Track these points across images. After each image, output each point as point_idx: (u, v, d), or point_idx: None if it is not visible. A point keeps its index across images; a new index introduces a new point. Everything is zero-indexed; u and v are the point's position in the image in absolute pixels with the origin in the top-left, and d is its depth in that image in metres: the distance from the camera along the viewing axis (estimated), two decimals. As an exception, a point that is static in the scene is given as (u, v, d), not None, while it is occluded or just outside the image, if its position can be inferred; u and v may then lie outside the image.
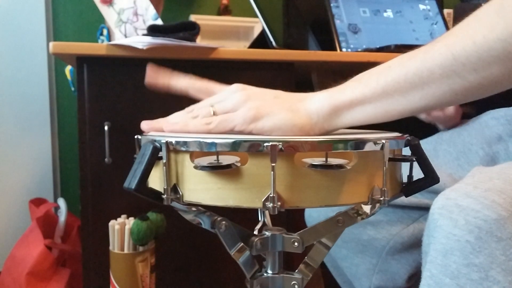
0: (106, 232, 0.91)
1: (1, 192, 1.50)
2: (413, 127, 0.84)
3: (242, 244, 0.54)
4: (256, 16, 1.16)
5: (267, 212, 0.60)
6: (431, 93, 0.45)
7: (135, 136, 0.51)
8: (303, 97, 0.51)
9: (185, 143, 0.44)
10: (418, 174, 0.51)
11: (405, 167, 0.51)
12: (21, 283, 1.16)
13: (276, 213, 0.42)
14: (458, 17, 1.42)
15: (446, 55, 0.43)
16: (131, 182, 0.44)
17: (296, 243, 0.55)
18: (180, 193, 0.46)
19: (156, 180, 0.48)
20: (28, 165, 1.52)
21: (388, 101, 0.46)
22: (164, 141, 0.45)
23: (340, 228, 0.54)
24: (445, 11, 1.43)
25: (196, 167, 0.44)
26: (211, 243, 1.08)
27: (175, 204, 0.47)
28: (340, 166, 0.43)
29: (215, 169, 0.43)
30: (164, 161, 0.45)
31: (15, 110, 1.50)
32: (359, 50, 1.27)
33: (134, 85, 1.01)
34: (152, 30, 1.02)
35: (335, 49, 1.26)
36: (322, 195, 0.43)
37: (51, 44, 0.93)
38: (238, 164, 0.43)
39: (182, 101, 0.57)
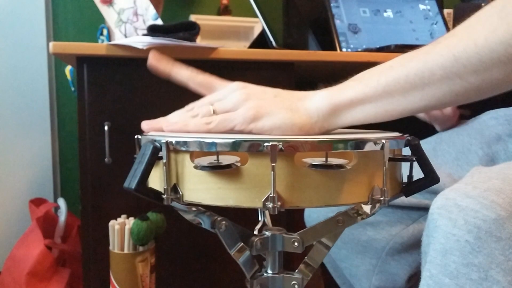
0: (106, 232, 0.91)
1: (1, 192, 1.50)
2: (413, 127, 0.84)
3: (242, 244, 0.54)
4: (256, 16, 1.16)
5: (267, 212, 0.60)
6: (432, 93, 0.45)
7: (135, 136, 0.51)
8: (303, 96, 0.51)
9: (185, 143, 0.44)
10: (418, 174, 0.51)
11: (405, 167, 0.51)
12: (21, 283, 1.16)
13: (276, 213, 0.42)
14: (458, 17, 1.42)
15: (447, 56, 0.43)
16: (131, 182, 0.44)
17: (296, 243, 0.55)
18: (180, 193, 0.46)
19: (156, 180, 0.48)
20: (28, 165, 1.52)
21: (389, 101, 0.46)
22: (164, 141, 0.45)
23: (340, 228, 0.54)
24: (445, 11, 1.43)
25: (196, 167, 0.44)
26: (211, 243, 1.08)
27: (175, 204, 0.47)
28: (340, 166, 0.43)
29: (215, 169, 0.43)
30: (164, 161, 0.45)
31: (15, 110, 1.50)
32: (359, 50, 1.27)
33: (134, 85, 1.01)
34: (152, 30, 1.02)
35: (335, 49, 1.26)
36: (322, 195, 0.43)
37: (51, 44, 0.93)
38: (238, 164, 0.43)
39: (183, 100, 0.57)
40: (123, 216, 0.95)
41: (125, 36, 1.08)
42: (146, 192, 0.46)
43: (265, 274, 0.57)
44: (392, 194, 0.48)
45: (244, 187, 0.43)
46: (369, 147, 0.44)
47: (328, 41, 1.27)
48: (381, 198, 0.45)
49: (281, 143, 0.41)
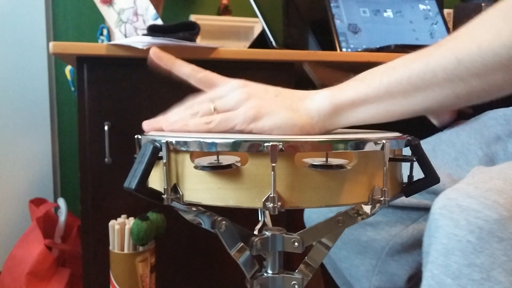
0: (106, 232, 0.91)
1: (1, 192, 1.50)
2: (413, 127, 0.84)
3: (242, 244, 0.54)
4: (256, 16, 1.16)
5: (267, 212, 0.60)
6: (434, 95, 0.45)
7: (135, 136, 0.51)
8: (304, 95, 0.50)
9: (185, 143, 0.44)
10: (418, 174, 0.51)
11: (405, 167, 0.51)
12: (21, 283, 1.16)
13: (277, 213, 0.42)
14: (458, 17, 1.42)
15: (450, 58, 0.43)
16: (131, 182, 0.44)
17: (296, 243, 0.55)
18: (180, 193, 0.45)
19: (156, 180, 0.48)
20: (28, 165, 1.52)
21: (390, 101, 0.46)
22: (164, 141, 0.45)
23: (340, 228, 0.54)
24: (445, 11, 1.43)
25: (196, 167, 0.44)
26: (211, 243, 1.08)
27: (175, 204, 0.47)
28: (340, 166, 0.43)
29: (215, 169, 0.43)
30: (164, 161, 0.45)
31: (15, 110, 1.50)
32: (359, 50, 1.27)
33: (134, 85, 1.01)
34: (152, 30, 1.02)
35: (335, 49, 1.26)
36: (323, 195, 0.43)
37: (51, 44, 0.93)
38: (238, 164, 0.43)
39: (183, 100, 0.56)
40: (123, 216, 0.95)
41: (125, 36, 1.08)
42: (146, 192, 0.46)
43: (265, 274, 0.57)
44: (392, 194, 0.48)
45: (244, 187, 0.43)
46: (369, 147, 0.44)
47: (328, 41, 1.27)
48: (382, 198, 0.45)
49: (281, 143, 0.41)
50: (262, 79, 0.52)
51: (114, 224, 0.91)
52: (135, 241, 0.88)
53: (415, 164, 0.50)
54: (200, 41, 1.10)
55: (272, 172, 0.41)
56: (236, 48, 1.09)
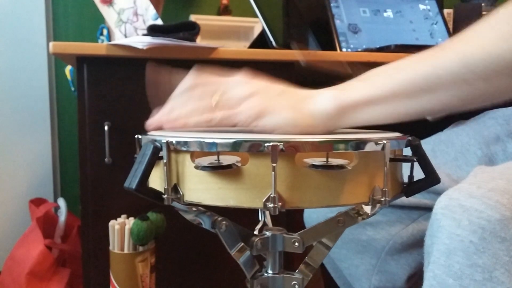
0: (106, 232, 0.91)
1: (1, 192, 1.50)
2: (412, 127, 0.84)
3: (242, 244, 0.54)
4: (256, 16, 1.15)
5: (267, 212, 0.60)
6: (438, 98, 0.45)
7: (136, 136, 0.51)
8: (307, 95, 0.50)
9: (185, 143, 0.44)
10: (418, 174, 0.51)
11: (405, 167, 0.51)
12: (21, 283, 1.16)
13: (277, 213, 0.42)
14: (458, 17, 1.42)
15: (455, 61, 0.43)
16: (132, 182, 0.44)
17: (296, 243, 0.55)
18: (181, 193, 0.45)
19: (157, 180, 0.48)
20: (28, 165, 1.52)
21: (395, 103, 0.46)
22: (165, 141, 0.45)
23: (341, 228, 0.54)
24: (445, 11, 1.43)
25: (196, 167, 0.44)
26: (211, 243, 1.08)
27: (175, 204, 0.47)
28: (341, 167, 0.43)
29: (216, 169, 0.43)
30: (165, 161, 0.45)
31: (15, 110, 1.50)
32: (359, 50, 1.27)
33: (134, 85, 1.01)
34: (152, 30, 1.02)
35: (335, 49, 1.26)
36: (323, 195, 0.43)
37: (51, 44, 0.93)
38: (239, 164, 0.43)
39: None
40: (123, 216, 0.95)
41: (125, 36, 1.08)
42: (147, 192, 0.46)
43: (265, 274, 0.57)
44: (393, 195, 0.48)
45: (245, 187, 0.43)
46: (370, 147, 0.44)
47: (328, 41, 1.27)
48: (382, 199, 0.45)
49: (282, 143, 0.41)
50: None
51: (114, 224, 0.91)
52: (135, 241, 0.88)
53: (416, 164, 0.50)
54: (200, 41, 1.10)
55: (273, 172, 0.41)
56: (236, 48, 1.09)
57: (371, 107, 0.47)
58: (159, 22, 1.08)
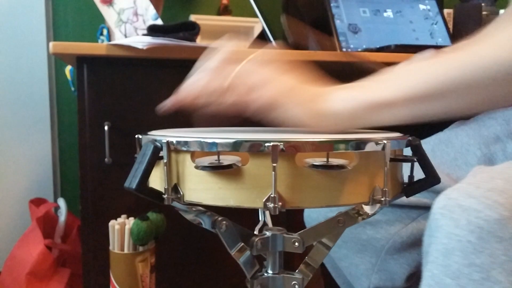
0: (106, 232, 0.91)
1: (1, 192, 1.50)
2: (412, 127, 0.84)
3: (242, 244, 0.54)
4: (256, 16, 1.16)
5: (267, 212, 0.60)
6: (451, 102, 0.45)
7: (136, 136, 0.51)
8: (320, 93, 0.50)
9: (186, 143, 0.44)
10: (418, 174, 0.51)
11: (406, 167, 0.51)
12: (21, 283, 1.16)
13: (277, 213, 0.42)
14: (458, 17, 1.42)
15: (469, 66, 0.43)
16: (132, 182, 0.44)
17: (296, 243, 0.55)
18: (181, 193, 0.45)
19: (157, 180, 0.48)
20: (28, 165, 1.52)
21: (408, 106, 0.46)
22: (165, 141, 0.45)
23: (341, 228, 0.54)
24: (445, 11, 1.43)
25: (197, 167, 0.44)
26: (211, 243, 1.08)
27: (175, 204, 0.47)
28: (341, 167, 0.43)
29: (216, 169, 0.43)
30: (165, 161, 0.45)
31: (15, 110, 1.50)
32: (359, 50, 1.26)
33: (134, 85, 1.01)
34: (152, 30, 1.02)
35: (335, 49, 1.26)
36: (323, 195, 0.43)
37: (51, 44, 0.93)
38: (239, 164, 0.43)
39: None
40: (123, 216, 0.95)
41: (125, 36, 1.08)
42: (147, 192, 0.46)
43: (265, 274, 0.57)
44: (393, 195, 0.48)
45: (245, 187, 0.43)
46: (370, 147, 0.44)
47: (328, 41, 1.27)
48: (382, 199, 0.45)
49: (282, 143, 0.41)
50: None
51: (114, 224, 0.91)
52: (135, 241, 0.88)
53: (416, 164, 0.50)
54: (200, 41, 1.10)
55: (273, 172, 0.41)
56: (236, 48, 1.08)
57: (383, 110, 0.47)
58: (159, 22, 1.08)
